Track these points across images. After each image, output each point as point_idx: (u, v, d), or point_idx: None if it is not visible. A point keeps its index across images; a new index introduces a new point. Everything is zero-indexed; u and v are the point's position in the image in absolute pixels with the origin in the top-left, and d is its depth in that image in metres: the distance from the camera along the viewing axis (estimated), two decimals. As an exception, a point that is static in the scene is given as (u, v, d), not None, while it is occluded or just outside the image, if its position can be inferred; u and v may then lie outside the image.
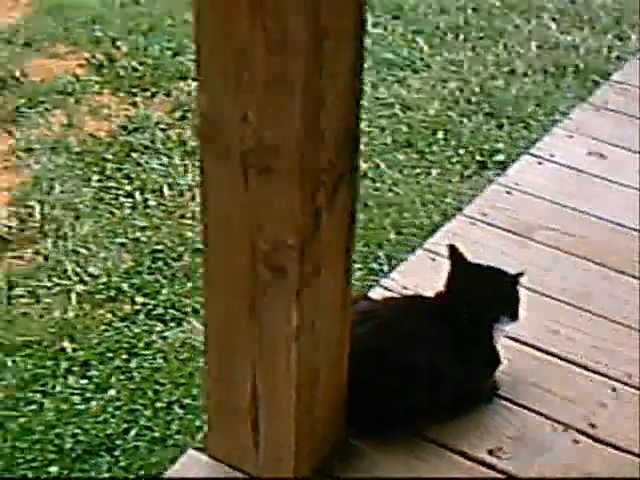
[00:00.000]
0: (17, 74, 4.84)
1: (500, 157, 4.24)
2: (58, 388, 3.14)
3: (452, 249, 2.31)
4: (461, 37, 5.23)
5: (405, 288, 2.58)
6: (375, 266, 3.56)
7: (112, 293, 3.51)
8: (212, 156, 1.56)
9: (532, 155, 3.30)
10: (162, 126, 4.46)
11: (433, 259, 2.72)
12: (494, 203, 3.00)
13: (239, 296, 1.63)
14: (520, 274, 2.31)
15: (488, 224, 2.88)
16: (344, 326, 1.82)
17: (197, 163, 4.05)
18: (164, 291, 3.51)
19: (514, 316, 2.29)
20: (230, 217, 1.58)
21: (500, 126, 4.48)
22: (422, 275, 2.64)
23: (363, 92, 1.71)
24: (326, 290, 1.67)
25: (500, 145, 4.32)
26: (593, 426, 2.28)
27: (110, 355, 3.26)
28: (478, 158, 4.25)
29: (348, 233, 1.73)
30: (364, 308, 2.23)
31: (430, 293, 2.32)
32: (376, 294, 2.59)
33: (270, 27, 1.40)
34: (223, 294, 1.68)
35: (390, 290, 2.59)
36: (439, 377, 2.16)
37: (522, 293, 2.31)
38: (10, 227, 3.82)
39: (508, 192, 3.07)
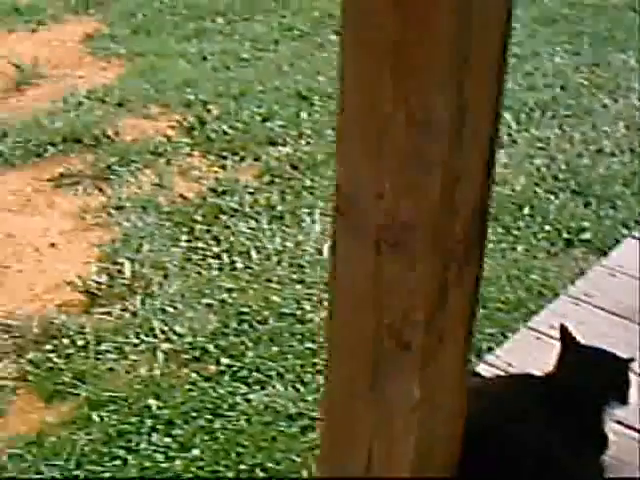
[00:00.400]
0: (110, 133, 4.93)
1: (586, 235, 4.21)
2: (142, 445, 3.15)
3: (563, 330, 2.29)
4: (548, 114, 5.23)
5: (510, 365, 2.57)
6: (460, 339, 3.54)
7: (197, 353, 3.53)
8: (345, 228, 1.56)
9: (635, 238, 3.28)
10: (250, 190, 4.51)
11: (538, 338, 2.71)
12: (598, 285, 2.99)
13: (362, 366, 1.63)
14: (631, 359, 2.28)
15: (592, 305, 2.86)
16: (461, 400, 1.82)
17: (284, 227, 4.12)
18: (249, 354, 3.52)
19: (624, 400, 2.25)
20: (358, 288, 1.59)
21: (587, 204, 4.46)
22: (527, 353, 2.63)
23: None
24: (448, 364, 1.66)
25: (586, 224, 4.29)
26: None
27: (194, 415, 3.27)
28: (565, 236, 4.23)
29: (472, 308, 1.73)
30: (475, 385, 2.21)
31: (536, 372, 2.30)
32: (481, 370, 2.58)
33: (413, 105, 1.41)
34: (346, 363, 1.68)
35: (494, 366, 2.58)
36: (547, 458, 2.12)
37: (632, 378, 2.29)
38: (100, 283, 3.87)
39: (612, 274, 3.05)
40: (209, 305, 3.77)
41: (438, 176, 1.44)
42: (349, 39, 1.46)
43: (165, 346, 3.56)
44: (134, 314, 3.70)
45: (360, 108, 1.46)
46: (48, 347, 3.54)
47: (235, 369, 3.46)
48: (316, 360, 3.50)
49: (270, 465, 3.08)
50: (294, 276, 3.93)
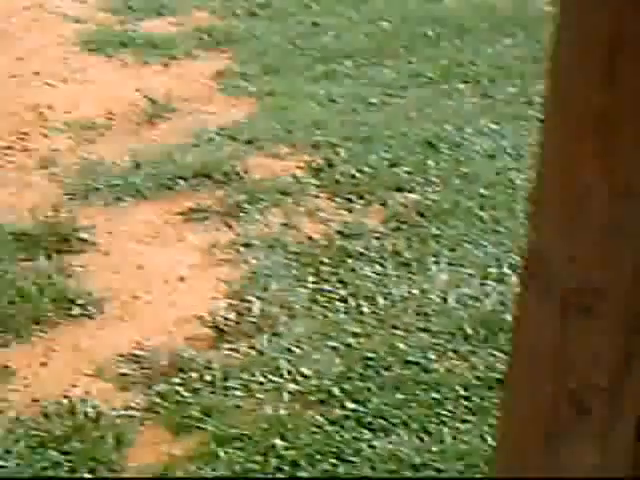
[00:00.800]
0: (239, 170, 5.01)
1: None
2: (268, 485, 3.17)
3: None
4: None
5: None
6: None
7: (323, 396, 3.55)
8: (532, 291, 1.57)
9: None
10: (377, 234, 4.52)
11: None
12: None
13: (536, 429, 1.63)
14: None
15: None
16: (634, 470, 1.80)
17: (410, 274, 4.13)
18: (374, 400, 3.52)
19: None
20: (540, 351, 1.59)
21: None
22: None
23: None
24: (627, 432, 1.65)
25: None
26: None
27: (319, 457, 3.29)
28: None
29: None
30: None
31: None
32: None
33: (616, 178, 1.42)
34: (520, 424, 1.67)
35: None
36: None
37: None
38: (227, 319, 3.91)
39: None
40: (334, 348, 3.78)
41: (634, 247, 1.45)
42: (553, 107, 1.47)
43: (291, 386, 3.58)
44: (261, 352, 3.74)
45: (560, 176, 1.47)
46: (176, 380, 3.59)
47: (360, 414, 3.47)
48: (440, 410, 3.48)
49: (396, 515, 3.08)
50: (420, 324, 3.92)
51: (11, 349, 3.78)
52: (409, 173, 5.04)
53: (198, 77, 6.23)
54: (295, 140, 5.36)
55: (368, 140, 5.35)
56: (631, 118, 1.39)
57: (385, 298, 4.07)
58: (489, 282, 4.17)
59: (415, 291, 4.12)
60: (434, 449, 3.31)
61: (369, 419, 3.45)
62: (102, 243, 4.44)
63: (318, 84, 6.09)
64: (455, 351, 3.77)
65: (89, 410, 3.45)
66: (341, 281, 4.18)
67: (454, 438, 3.36)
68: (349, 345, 3.80)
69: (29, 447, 3.29)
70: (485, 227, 4.57)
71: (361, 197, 4.83)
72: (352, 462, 3.27)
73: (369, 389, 3.58)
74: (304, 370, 3.65)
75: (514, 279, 4.04)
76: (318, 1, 7.56)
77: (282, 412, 3.46)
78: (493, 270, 4.25)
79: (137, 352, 3.74)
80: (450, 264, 4.30)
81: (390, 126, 5.53)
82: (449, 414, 3.47)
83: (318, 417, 3.45)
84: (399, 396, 3.55)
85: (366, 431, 3.40)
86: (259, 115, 5.67)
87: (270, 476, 3.21)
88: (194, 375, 3.61)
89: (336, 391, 3.56)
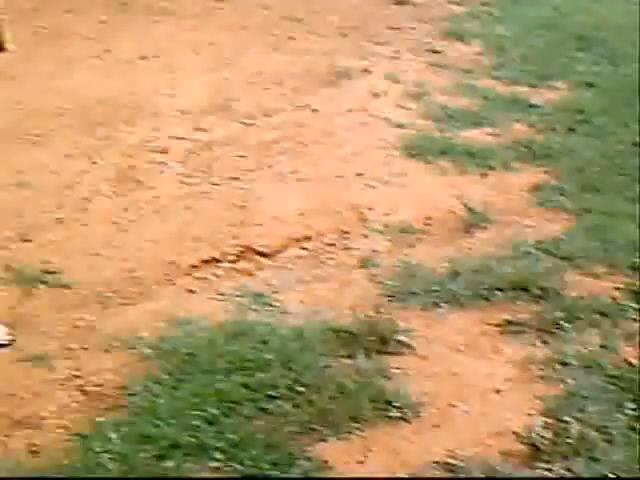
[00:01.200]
0: (556, 286, 4.98)
1: None
2: None
3: None
4: None
5: None
6: None
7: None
8: None
9: None
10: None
11: None
12: None
13: None
14: None
15: None
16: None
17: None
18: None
19: None
20: None
21: None
22: None
23: None
24: None
25: None
26: None
27: None
28: None
29: None
30: None
31: None
32: None
33: None
34: None
35: None
36: None
37: None
38: (544, 437, 3.88)
39: None
40: None
41: None
42: None
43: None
44: (578, 477, 3.67)
45: None
46: (491, 494, 3.59)
47: None
48: None
49: None
50: None
51: (329, 444, 3.89)
52: None
53: (515, 189, 6.28)
54: (613, 260, 5.29)
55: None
56: None
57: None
58: None
59: None
60: None
61: None
62: (419, 347, 4.53)
63: (638, 205, 5.99)
64: None
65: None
66: (655, 412, 4.07)
67: None
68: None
69: None
70: None
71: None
72: None
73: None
74: (622, 501, 3.57)
75: None
76: (638, 120, 7.48)
77: None
78: None
79: (451, 461, 3.77)
80: None
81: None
82: None
83: None
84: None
85: None
86: (576, 232, 5.63)
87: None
88: (510, 492, 3.59)
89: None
